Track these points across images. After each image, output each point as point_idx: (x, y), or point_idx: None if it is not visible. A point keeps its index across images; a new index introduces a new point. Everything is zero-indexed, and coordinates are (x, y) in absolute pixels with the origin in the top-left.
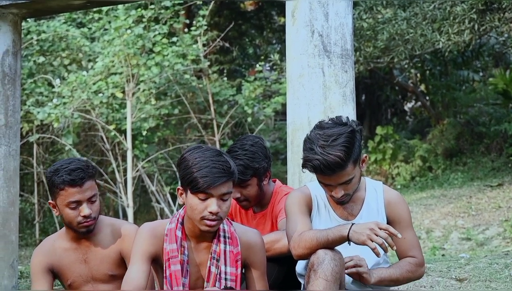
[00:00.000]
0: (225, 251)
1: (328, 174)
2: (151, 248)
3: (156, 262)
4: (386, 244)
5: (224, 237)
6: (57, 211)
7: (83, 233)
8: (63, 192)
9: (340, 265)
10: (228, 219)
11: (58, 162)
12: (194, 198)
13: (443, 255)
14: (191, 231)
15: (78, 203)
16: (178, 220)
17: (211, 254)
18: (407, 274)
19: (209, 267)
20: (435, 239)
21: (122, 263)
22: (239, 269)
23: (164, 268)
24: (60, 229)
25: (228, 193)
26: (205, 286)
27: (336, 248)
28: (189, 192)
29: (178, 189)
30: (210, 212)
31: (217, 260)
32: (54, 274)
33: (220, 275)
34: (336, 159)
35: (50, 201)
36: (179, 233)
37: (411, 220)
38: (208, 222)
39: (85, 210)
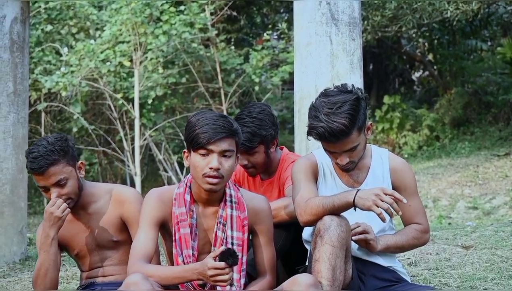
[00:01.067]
0: (231, 215)
1: (332, 141)
2: (159, 213)
3: (163, 227)
4: (392, 210)
5: (231, 202)
6: None
7: None
8: (33, 177)
9: (346, 231)
10: (235, 185)
11: (35, 142)
12: (196, 156)
13: (449, 223)
14: (197, 195)
15: (45, 187)
16: (186, 184)
17: (218, 219)
18: (412, 241)
19: (216, 231)
20: (442, 207)
21: (124, 228)
22: (245, 234)
23: (173, 232)
24: None
25: (229, 150)
26: (212, 250)
27: (342, 214)
28: (192, 151)
29: (184, 152)
30: (211, 168)
31: (224, 225)
32: (61, 246)
33: (226, 239)
34: (340, 126)
35: None
36: (187, 197)
37: (416, 187)
38: (210, 180)
39: (53, 195)
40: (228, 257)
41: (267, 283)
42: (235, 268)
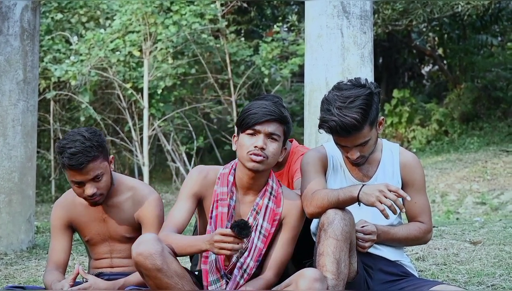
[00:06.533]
0: (267, 206)
1: (344, 135)
2: (199, 188)
3: (200, 204)
4: (395, 206)
5: (271, 193)
6: None
7: (91, 205)
8: (67, 171)
9: (350, 224)
10: (278, 181)
11: (67, 135)
12: (244, 136)
13: (457, 218)
14: (240, 180)
15: (81, 183)
16: (232, 166)
17: (253, 206)
18: (412, 237)
19: (248, 218)
20: (450, 203)
21: (139, 227)
22: (273, 228)
23: (211, 209)
24: None
25: (275, 134)
26: None
27: (348, 209)
28: (240, 133)
29: (234, 136)
30: (256, 146)
31: (257, 213)
32: (74, 228)
33: (256, 227)
34: (352, 120)
35: None
36: (231, 178)
37: (425, 184)
38: (254, 157)
39: (88, 190)
40: (236, 226)
41: (264, 281)
42: (252, 255)
